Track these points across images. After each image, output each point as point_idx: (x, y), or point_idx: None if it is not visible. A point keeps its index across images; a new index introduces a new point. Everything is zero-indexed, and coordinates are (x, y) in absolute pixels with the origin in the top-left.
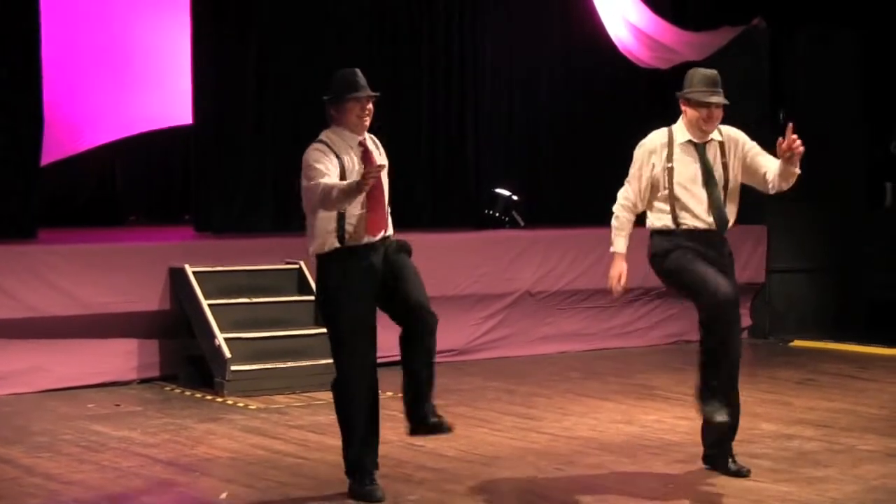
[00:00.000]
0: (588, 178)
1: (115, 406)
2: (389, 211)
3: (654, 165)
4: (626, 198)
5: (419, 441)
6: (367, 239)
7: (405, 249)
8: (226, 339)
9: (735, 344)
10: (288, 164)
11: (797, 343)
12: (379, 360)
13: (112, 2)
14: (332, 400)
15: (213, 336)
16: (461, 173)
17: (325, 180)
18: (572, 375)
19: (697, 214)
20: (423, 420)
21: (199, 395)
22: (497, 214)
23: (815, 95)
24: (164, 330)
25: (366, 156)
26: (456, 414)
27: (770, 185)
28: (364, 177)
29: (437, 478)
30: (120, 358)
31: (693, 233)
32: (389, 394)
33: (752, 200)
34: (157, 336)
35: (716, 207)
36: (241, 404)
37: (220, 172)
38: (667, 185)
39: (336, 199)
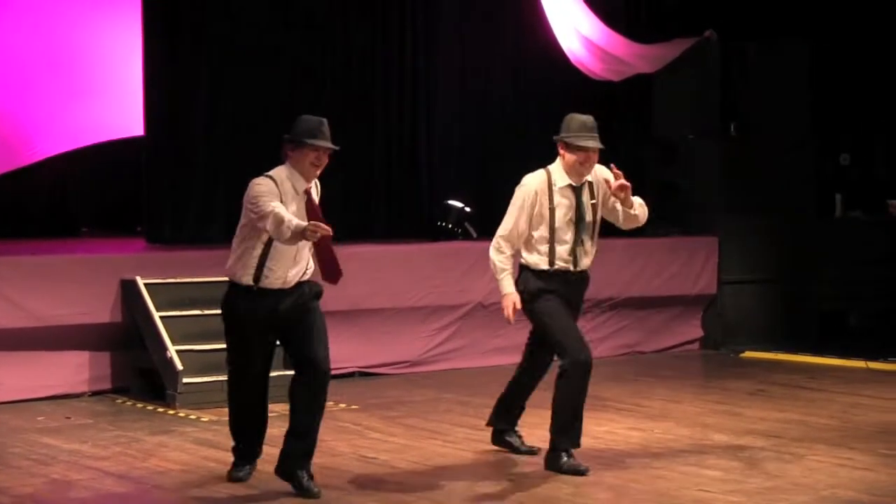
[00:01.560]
0: None
1: (66, 419)
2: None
3: (537, 205)
4: (508, 243)
5: (371, 453)
6: (280, 284)
7: (318, 295)
8: (177, 352)
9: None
10: (240, 177)
11: (748, 354)
12: (334, 372)
13: (63, 13)
14: (283, 412)
15: (164, 348)
16: (414, 185)
17: (279, 209)
18: None
19: (567, 256)
20: (291, 476)
21: (150, 408)
22: (450, 226)
23: (765, 107)
24: (116, 342)
25: (310, 205)
26: (408, 426)
27: (621, 223)
28: (310, 231)
29: (389, 490)
30: (71, 370)
31: (563, 274)
32: (342, 405)
33: (704, 213)
34: (109, 348)
35: (581, 249)
36: (192, 416)
37: (171, 184)
38: (548, 226)
39: (285, 231)
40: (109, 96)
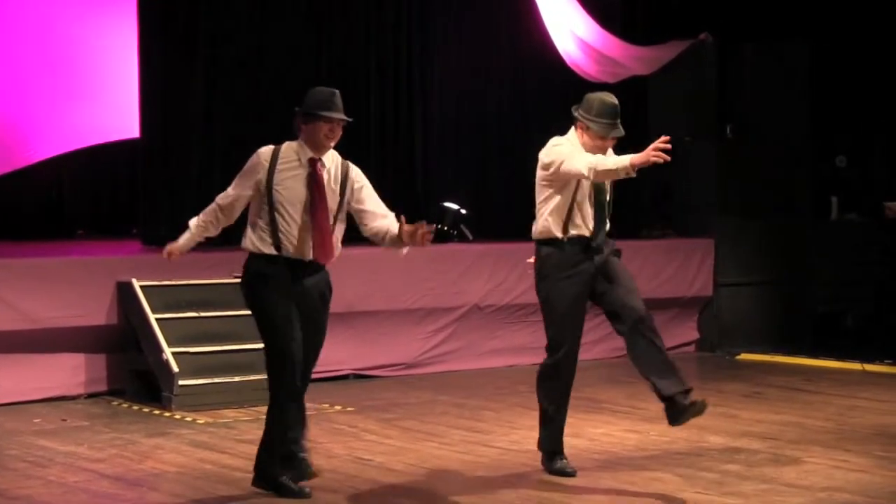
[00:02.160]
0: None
1: (62, 421)
2: (337, 240)
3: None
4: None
5: (367, 455)
6: (299, 255)
7: (330, 289)
8: (173, 354)
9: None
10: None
11: (744, 356)
12: (329, 374)
13: (59, 15)
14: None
15: (160, 350)
16: (409, 187)
17: (218, 202)
18: (521, 389)
19: (586, 229)
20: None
21: (146, 410)
22: (446, 228)
23: (761, 109)
24: (112, 344)
25: (313, 175)
26: (404, 428)
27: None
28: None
29: (385, 492)
30: (67, 372)
31: (576, 240)
32: (338, 407)
33: (700, 214)
34: (105, 350)
35: (601, 224)
36: (188, 419)
37: (167, 186)
38: (572, 192)
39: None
40: (105, 98)
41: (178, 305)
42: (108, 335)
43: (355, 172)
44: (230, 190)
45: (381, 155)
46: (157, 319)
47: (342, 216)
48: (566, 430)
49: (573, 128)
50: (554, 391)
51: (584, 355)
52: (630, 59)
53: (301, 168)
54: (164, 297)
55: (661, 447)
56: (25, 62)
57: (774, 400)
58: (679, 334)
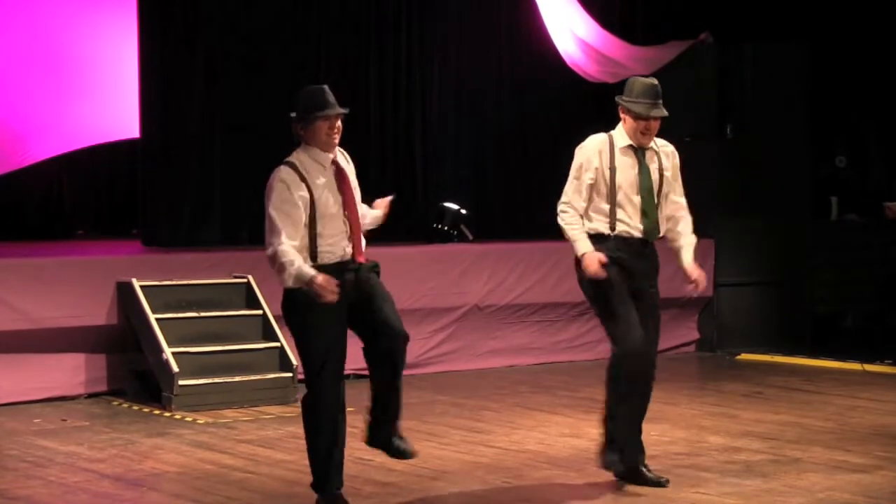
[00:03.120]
0: (536, 191)
1: (62, 421)
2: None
3: (596, 168)
4: (572, 207)
5: (367, 455)
6: (339, 258)
7: (376, 270)
8: (173, 354)
9: (640, 390)
10: (236, 179)
11: (744, 356)
12: None
13: (58, 15)
14: (280, 414)
15: (160, 350)
16: (410, 187)
17: (287, 254)
18: (521, 389)
19: (632, 221)
20: (386, 443)
21: (146, 410)
22: (445, 228)
23: (761, 110)
24: (112, 344)
25: (339, 175)
26: (405, 428)
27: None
28: (318, 288)
29: (385, 492)
30: (67, 373)
31: (625, 240)
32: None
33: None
34: (105, 350)
35: (650, 215)
36: (188, 419)
37: (167, 186)
38: (608, 188)
39: (286, 279)
40: (105, 98)
41: (178, 305)
42: (109, 335)
43: (351, 167)
44: (283, 236)
45: (381, 155)
46: (157, 319)
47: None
48: (566, 431)
49: (620, 122)
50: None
51: (583, 355)
52: (630, 59)
53: (325, 173)
54: (164, 297)
55: (661, 447)
56: (25, 62)
57: (774, 400)
58: (679, 334)
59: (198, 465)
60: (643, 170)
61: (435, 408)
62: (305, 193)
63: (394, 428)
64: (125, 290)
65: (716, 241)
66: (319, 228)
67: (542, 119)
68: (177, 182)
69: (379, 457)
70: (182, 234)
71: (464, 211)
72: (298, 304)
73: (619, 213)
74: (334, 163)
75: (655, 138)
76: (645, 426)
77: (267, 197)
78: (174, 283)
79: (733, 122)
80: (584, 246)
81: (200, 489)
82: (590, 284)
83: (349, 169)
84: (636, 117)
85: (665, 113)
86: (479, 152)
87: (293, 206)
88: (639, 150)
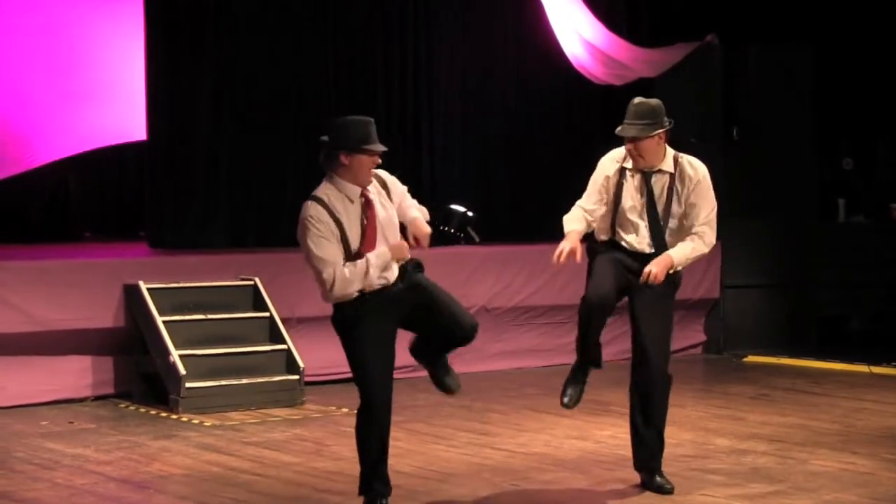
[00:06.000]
0: (543, 193)
1: (69, 423)
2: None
3: (607, 179)
4: (583, 209)
5: None
6: (382, 281)
7: (420, 268)
8: (180, 356)
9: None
10: (242, 181)
11: (751, 358)
12: (336, 377)
13: (65, 17)
14: (286, 416)
15: (167, 353)
16: (416, 189)
17: (351, 265)
18: (528, 391)
19: (633, 242)
20: (440, 376)
21: (153, 412)
22: (452, 231)
23: (767, 111)
24: (119, 347)
25: (368, 210)
26: (411, 430)
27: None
28: (394, 253)
29: (392, 494)
30: (74, 375)
31: (627, 251)
32: (345, 410)
33: None
34: (112, 353)
35: (655, 239)
36: (195, 421)
37: (174, 188)
38: (611, 205)
39: (373, 278)
40: (112, 101)
41: (184, 308)
42: (115, 338)
43: (391, 181)
44: (326, 269)
45: (387, 158)
46: (163, 322)
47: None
48: (573, 433)
49: None
50: None
51: None
52: (636, 61)
53: (353, 206)
54: (170, 300)
55: (667, 449)
56: (32, 65)
57: (781, 402)
58: (685, 336)
59: (204, 468)
60: (648, 193)
61: (442, 410)
62: (335, 228)
63: (444, 358)
64: (132, 293)
65: (722, 244)
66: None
67: (548, 121)
68: (183, 184)
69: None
70: (189, 236)
71: (470, 213)
72: (347, 318)
73: (620, 231)
74: (364, 195)
75: (687, 157)
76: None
77: (300, 235)
78: (181, 285)
79: (739, 124)
80: (569, 226)
81: (207, 491)
82: (591, 260)
83: (385, 192)
84: (622, 140)
85: (637, 133)
86: (486, 154)
87: (330, 240)
88: (646, 174)
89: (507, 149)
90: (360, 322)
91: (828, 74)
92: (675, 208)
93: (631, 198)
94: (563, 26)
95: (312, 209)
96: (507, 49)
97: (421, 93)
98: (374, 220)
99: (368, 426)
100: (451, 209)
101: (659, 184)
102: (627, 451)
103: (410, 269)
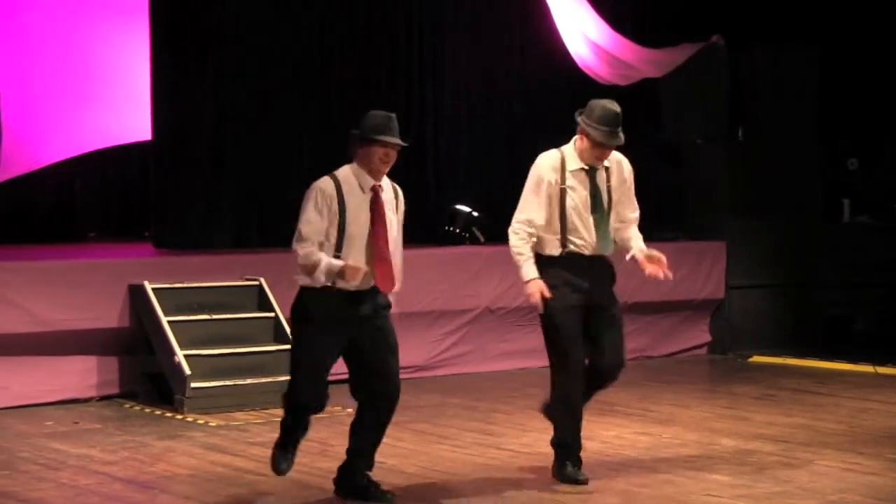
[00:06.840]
0: None
1: (74, 423)
2: (399, 266)
3: (549, 184)
4: (532, 224)
5: (379, 458)
6: (355, 287)
7: (388, 308)
8: (185, 356)
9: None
10: (247, 181)
11: (756, 359)
12: (341, 377)
13: (70, 18)
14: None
15: (172, 353)
16: (421, 190)
17: (313, 253)
18: (532, 391)
19: (583, 240)
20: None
21: (158, 413)
22: (457, 231)
23: (772, 111)
24: (124, 347)
25: (375, 203)
26: (416, 430)
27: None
28: (348, 273)
29: (397, 495)
30: (78, 375)
31: (575, 259)
32: (350, 410)
33: (712, 217)
34: (116, 353)
35: (603, 234)
36: (200, 421)
37: (179, 189)
38: (560, 208)
39: (318, 277)
40: (117, 101)
41: (189, 308)
42: (120, 338)
43: (402, 201)
44: (310, 230)
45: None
46: (168, 322)
47: (400, 241)
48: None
49: (574, 139)
50: None
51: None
52: (642, 61)
53: (363, 195)
54: (175, 300)
55: (673, 450)
56: (37, 66)
57: (786, 402)
58: (691, 337)
59: (209, 468)
60: (595, 190)
61: (446, 410)
62: (336, 208)
63: (370, 461)
64: (137, 293)
65: (727, 244)
66: (345, 250)
67: (553, 121)
68: (188, 184)
69: (390, 459)
70: (193, 236)
71: (476, 213)
72: (309, 309)
73: (570, 234)
74: (374, 189)
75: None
76: (656, 428)
77: (304, 197)
78: (186, 285)
79: (744, 124)
80: (529, 272)
81: (212, 491)
82: (545, 321)
83: (395, 203)
84: (594, 143)
85: (622, 142)
86: (491, 154)
87: (324, 215)
88: (590, 170)
89: (512, 149)
90: (320, 321)
91: (833, 75)
92: (615, 198)
93: (578, 196)
94: (568, 27)
95: (324, 182)
96: (513, 49)
97: (426, 93)
98: (381, 216)
99: (294, 421)
100: (457, 209)
101: (600, 178)
102: (633, 452)
103: (383, 307)
